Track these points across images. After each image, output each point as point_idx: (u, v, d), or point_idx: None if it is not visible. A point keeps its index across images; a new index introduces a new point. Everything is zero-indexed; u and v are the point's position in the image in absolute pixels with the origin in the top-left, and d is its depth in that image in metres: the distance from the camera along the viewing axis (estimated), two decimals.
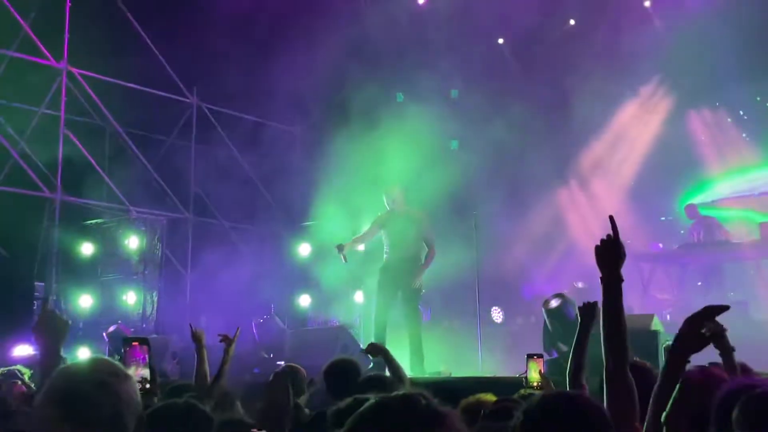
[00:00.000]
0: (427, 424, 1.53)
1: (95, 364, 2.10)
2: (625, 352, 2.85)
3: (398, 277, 9.49)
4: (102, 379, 2.04)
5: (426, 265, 9.59)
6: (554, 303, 8.55)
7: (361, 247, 11.79)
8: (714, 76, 13.70)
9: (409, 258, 9.54)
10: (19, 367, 7.27)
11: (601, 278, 2.89)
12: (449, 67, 13.25)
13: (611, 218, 2.90)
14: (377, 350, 6.04)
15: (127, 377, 2.10)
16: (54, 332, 2.84)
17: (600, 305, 2.91)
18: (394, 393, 1.61)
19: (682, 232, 13.89)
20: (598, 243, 2.89)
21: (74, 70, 13.08)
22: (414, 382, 5.44)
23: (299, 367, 5.73)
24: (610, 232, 2.88)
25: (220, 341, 5.56)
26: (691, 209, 13.15)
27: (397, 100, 13.37)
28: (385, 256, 9.73)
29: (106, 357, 2.14)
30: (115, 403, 2.02)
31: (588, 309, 4.09)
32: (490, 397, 4.00)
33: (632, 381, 2.81)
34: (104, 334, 11.39)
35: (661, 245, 13.11)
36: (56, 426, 1.99)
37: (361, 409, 1.58)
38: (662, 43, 13.61)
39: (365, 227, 10.32)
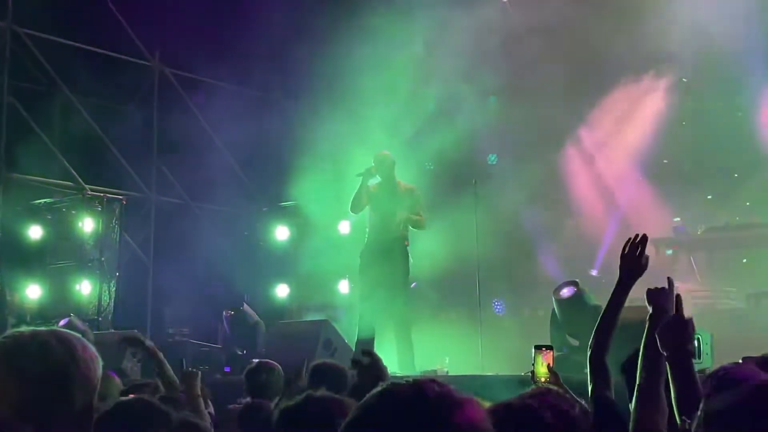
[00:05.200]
0: (439, 413, 1.46)
1: (58, 330, 2.16)
2: (608, 343, 3.43)
3: (381, 261, 9.15)
4: (56, 338, 2.10)
5: (411, 218, 9.14)
6: (566, 292, 8.23)
7: (346, 228, 12.00)
8: None
9: (393, 240, 9.18)
10: None
11: (619, 278, 3.38)
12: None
13: (645, 237, 3.36)
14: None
15: (87, 348, 2.13)
16: None
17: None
18: (404, 379, 1.55)
19: None
20: (625, 245, 3.36)
21: (19, 29, 12.85)
22: None
23: (275, 364, 5.69)
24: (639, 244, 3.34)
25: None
26: None
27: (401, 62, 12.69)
28: (366, 236, 9.45)
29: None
30: (63, 367, 2.05)
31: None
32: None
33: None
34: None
35: (683, 225, 12.19)
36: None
37: (366, 397, 1.53)
38: None
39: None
